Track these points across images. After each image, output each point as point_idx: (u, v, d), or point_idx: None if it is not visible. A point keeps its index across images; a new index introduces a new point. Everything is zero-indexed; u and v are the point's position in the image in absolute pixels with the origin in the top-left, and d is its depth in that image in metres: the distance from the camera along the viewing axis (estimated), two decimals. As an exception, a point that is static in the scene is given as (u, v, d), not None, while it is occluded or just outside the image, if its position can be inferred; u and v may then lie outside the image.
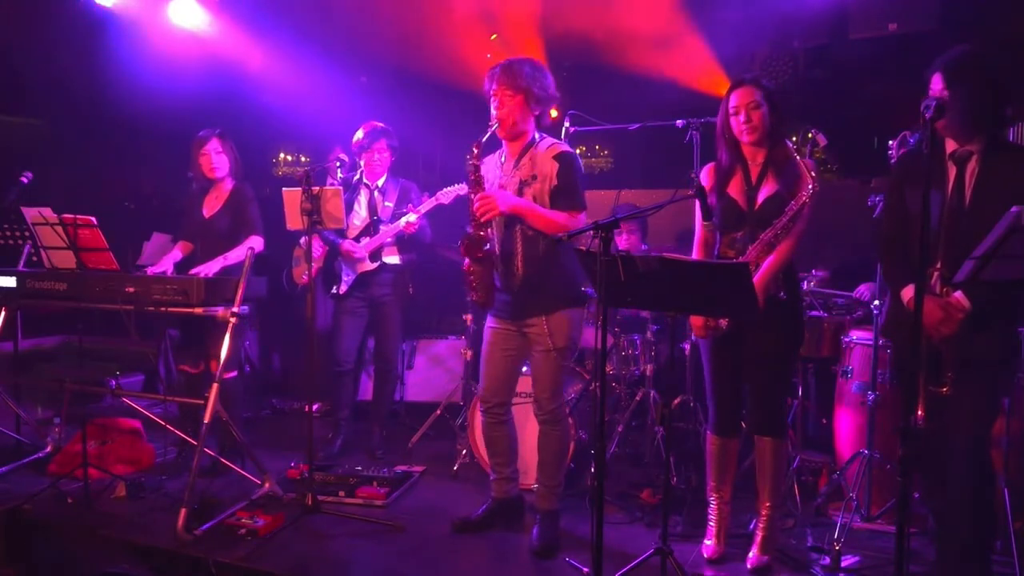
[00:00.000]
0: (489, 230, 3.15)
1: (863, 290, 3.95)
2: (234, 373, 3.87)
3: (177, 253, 4.16)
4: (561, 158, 3.08)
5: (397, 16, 5.58)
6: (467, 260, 3.15)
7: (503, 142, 3.21)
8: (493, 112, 3.10)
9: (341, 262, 4.35)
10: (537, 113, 3.13)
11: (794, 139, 4.79)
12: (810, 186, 2.76)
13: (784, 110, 2.93)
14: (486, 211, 3.03)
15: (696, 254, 3.06)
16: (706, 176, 3.06)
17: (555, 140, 3.22)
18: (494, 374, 3.29)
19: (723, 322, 2.89)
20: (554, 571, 3.03)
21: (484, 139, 3.11)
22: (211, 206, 4.13)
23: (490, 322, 3.29)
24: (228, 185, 4.14)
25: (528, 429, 3.62)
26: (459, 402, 4.61)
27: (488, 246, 3.11)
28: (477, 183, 3.11)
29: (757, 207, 2.89)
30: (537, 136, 3.18)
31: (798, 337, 3.03)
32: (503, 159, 3.24)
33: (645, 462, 4.15)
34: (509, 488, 3.39)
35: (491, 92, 3.11)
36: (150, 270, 3.91)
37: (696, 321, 2.96)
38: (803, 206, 2.77)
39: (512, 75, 3.05)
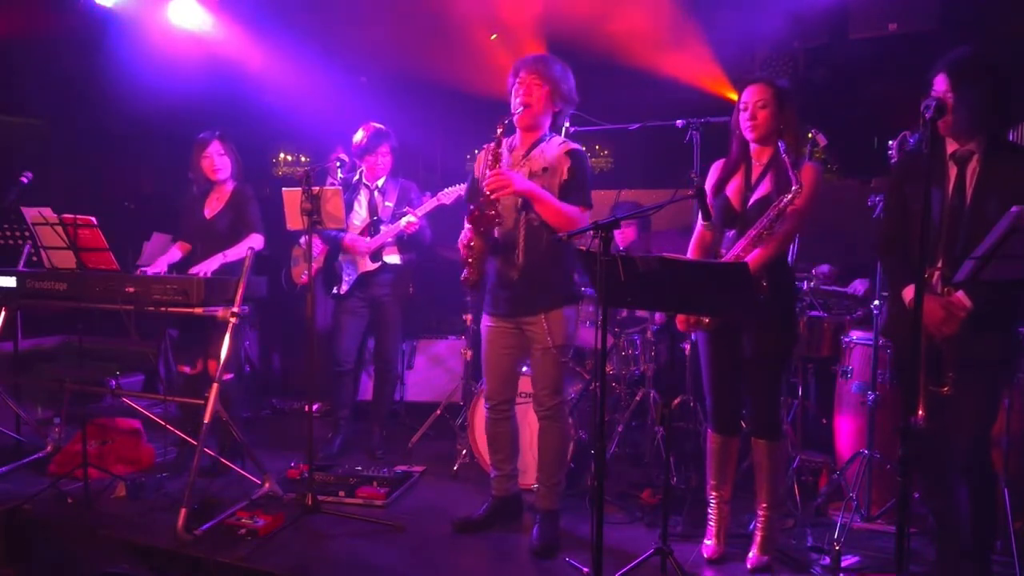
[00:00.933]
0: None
1: (857, 285, 3.95)
2: (231, 375, 3.86)
3: (176, 253, 4.16)
4: (573, 154, 3.12)
5: (397, 16, 5.57)
6: (470, 233, 3.10)
7: (516, 131, 3.21)
8: (516, 102, 3.08)
9: (342, 262, 4.35)
10: (557, 110, 3.17)
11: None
12: (794, 187, 2.76)
13: (795, 112, 2.90)
14: (499, 187, 2.96)
15: (691, 253, 3.07)
16: (714, 170, 3.07)
17: (567, 139, 3.26)
18: (497, 372, 3.29)
19: (705, 318, 2.90)
20: (554, 571, 3.03)
21: (508, 120, 3.10)
22: (212, 207, 4.14)
23: (486, 320, 3.28)
24: (229, 186, 4.15)
25: (527, 429, 3.62)
26: (459, 402, 4.61)
27: (498, 221, 3.07)
28: (496, 160, 3.09)
29: (748, 207, 2.90)
30: (549, 134, 3.21)
31: (791, 339, 3.03)
32: (511, 148, 3.23)
33: (645, 462, 4.15)
34: (509, 486, 3.40)
35: (517, 81, 3.11)
36: (144, 271, 3.91)
37: (679, 315, 2.97)
38: (784, 208, 2.77)
39: (544, 65, 3.11)
